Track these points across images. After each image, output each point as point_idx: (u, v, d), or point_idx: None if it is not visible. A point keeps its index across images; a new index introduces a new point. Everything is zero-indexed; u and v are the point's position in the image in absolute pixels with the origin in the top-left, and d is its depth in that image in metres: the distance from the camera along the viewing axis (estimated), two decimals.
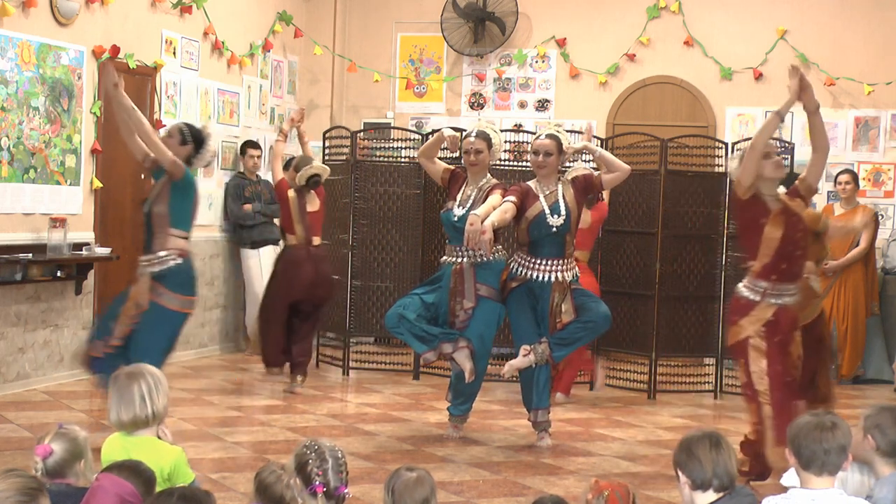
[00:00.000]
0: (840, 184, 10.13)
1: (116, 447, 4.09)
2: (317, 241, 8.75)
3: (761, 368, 5.68)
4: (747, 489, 3.63)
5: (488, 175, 7.28)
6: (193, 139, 6.60)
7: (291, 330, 8.73)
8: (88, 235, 8.70)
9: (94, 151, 8.71)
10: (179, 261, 6.48)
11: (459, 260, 7.13)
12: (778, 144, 9.50)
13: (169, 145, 6.49)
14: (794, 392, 5.74)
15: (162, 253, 6.45)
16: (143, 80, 9.31)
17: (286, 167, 11.12)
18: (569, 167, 7.64)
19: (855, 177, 10.20)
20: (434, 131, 7.73)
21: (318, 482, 3.55)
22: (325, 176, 8.75)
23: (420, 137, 9.58)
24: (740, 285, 5.86)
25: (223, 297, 10.59)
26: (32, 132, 8.10)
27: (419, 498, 3.51)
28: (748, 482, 5.63)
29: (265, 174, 10.89)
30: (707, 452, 3.50)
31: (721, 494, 3.50)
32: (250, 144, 10.61)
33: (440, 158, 7.63)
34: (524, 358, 6.93)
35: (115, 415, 4.08)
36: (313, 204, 8.72)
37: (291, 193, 8.65)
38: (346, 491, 3.60)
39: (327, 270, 8.83)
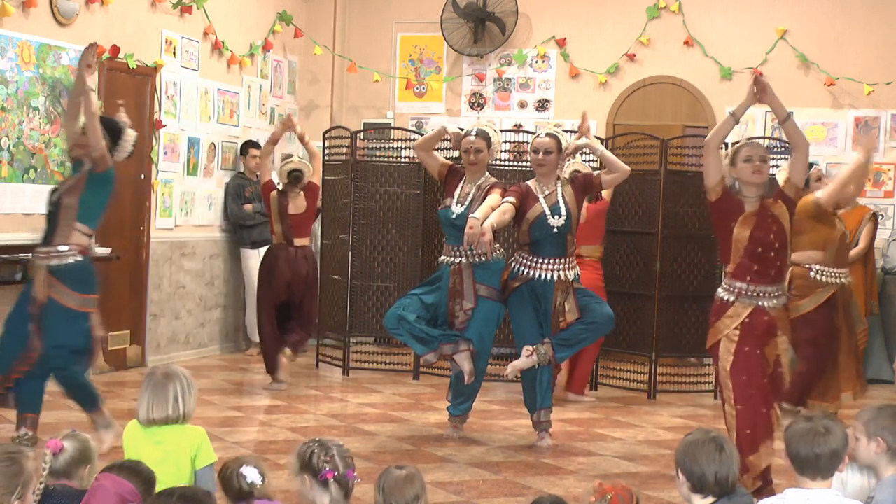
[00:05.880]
0: None
1: (139, 432, 4.16)
2: (300, 241, 8.75)
3: (726, 371, 5.61)
4: (744, 490, 3.62)
5: (487, 174, 7.28)
6: (109, 132, 6.42)
7: (283, 331, 8.80)
8: None
9: None
10: (80, 258, 6.31)
11: (458, 260, 7.11)
12: (778, 145, 9.50)
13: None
14: (760, 402, 5.60)
15: (62, 248, 6.28)
16: (143, 81, 9.31)
17: None
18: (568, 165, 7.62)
19: None
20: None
21: (327, 468, 3.57)
22: (306, 172, 8.75)
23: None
24: (720, 288, 5.80)
25: (223, 297, 10.59)
26: (32, 132, 8.10)
27: (410, 496, 3.53)
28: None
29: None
30: (709, 457, 3.49)
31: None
32: (251, 144, 10.60)
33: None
34: (527, 359, 6.92)
35: (144, 412, 4.13)
36: (297, 205, 8.72)
37: (273, 194, 8.71)
38: (355, 475, 3.62)
39: (306, 270, 8.76)
